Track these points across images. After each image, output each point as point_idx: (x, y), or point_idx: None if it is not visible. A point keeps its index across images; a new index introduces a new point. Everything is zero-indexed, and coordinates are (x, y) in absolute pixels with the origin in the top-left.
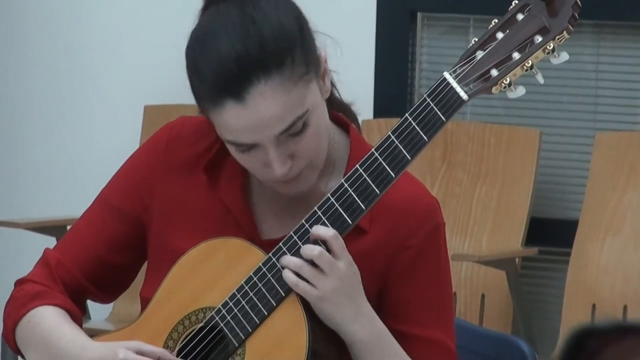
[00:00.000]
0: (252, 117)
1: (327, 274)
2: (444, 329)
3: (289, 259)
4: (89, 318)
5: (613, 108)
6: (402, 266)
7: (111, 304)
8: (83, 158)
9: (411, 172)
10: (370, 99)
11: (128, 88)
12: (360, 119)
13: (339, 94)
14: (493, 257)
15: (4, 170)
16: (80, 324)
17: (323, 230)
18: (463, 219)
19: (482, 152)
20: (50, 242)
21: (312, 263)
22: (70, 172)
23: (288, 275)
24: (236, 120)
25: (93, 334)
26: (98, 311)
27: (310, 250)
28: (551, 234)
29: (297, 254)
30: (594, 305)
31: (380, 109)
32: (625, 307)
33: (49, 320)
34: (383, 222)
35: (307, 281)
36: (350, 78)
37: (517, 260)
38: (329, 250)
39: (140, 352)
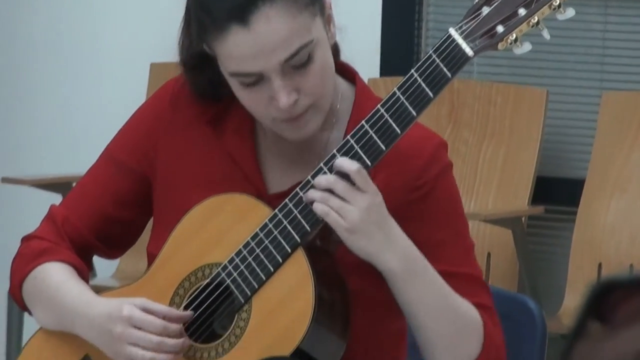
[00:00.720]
0: (257, 42)
1: (352, 203)
2: (466, 261)
3: (313, 192)
4: (95, 275)
5: (620, 67)
6: (413, 207)
7: (117, 261)
8: (89, 115)
9: None
10: (377, 57)
11: (134, 45)
12: (366, 77)
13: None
14: (499, 216)
15: (9, 127)
16: (86, 280)
17: (347, 164)
18: (469, 178)
19: (489, 112)
20: (56, 199)
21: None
22: (75, 130)
23: (317, 206)
24: (241, 47)
25: (99, 290)
26: (104, 268)
27: (326, 179)
28: (557, 193)
29: (303, 210)
30: (600, 264)
31: (387, 68)
32: (631, 266)
33: (55, 276)
34: (387, 170)
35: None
36: (356, 36)
37: (523, 219)
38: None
39: (145, 309)
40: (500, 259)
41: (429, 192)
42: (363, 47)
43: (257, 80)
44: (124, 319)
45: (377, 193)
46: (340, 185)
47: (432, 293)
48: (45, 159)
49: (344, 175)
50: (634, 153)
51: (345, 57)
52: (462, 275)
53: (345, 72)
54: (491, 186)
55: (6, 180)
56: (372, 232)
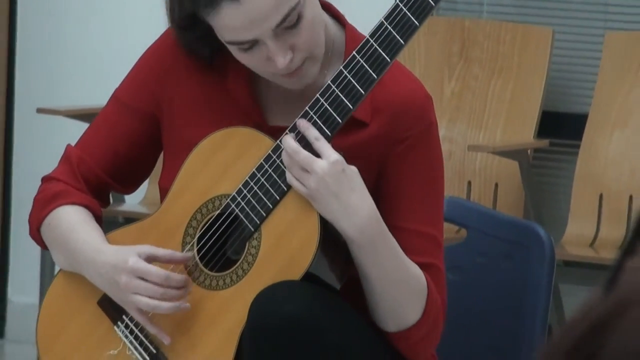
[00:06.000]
0: (248, 13)
1: (309, 171)
2: (432, 223)
3: (283, 156)
4: (124, 202)
5: (623, 8)
6: (394, 160)
7: (144, 189)
8: (115, 52)
9: (431, 67)
10: None
11: None
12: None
13: None
14: (506, 148)
15: (43, 62)
16: (100, 217)
17: (309, 132)
18: (478, 112)
19: (498, 49)
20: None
21: None
22: (103, 64)
23: (288, 176)
24: (234, 19)
25: (129, 216)
26: (132, 195)
27: (289, 145)
28: (562, 126)
29: (303, 140)
30: (601, 195)
31: None
32: (630, 198)
33: (66, 223)
34: (382, 116)
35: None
36: None
37: (529, 151)
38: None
39: (152, 257)
40: (507, 189)
41: (410, 147)
42: None
43: (253, 44)
44: (128, 270)
45: (336, 162)
46: (300, 156)
47: (385, 264)
48: (75, 92)
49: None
50: (634, 90)
51: None
52: (425, 234)
53: (333, 13)
54: (499, 120)
55: (41, 110)
56: (329, 201)
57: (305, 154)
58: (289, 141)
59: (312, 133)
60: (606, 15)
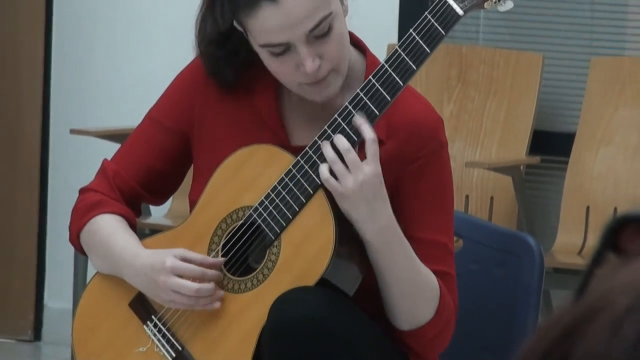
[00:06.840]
0: (285, 16)
1: (352, 172)
2: (443, 232)
3: (327, 150)
4: (150, 215)
5: (606, 35)
6: (408, 177)
7: (169, 203)
8: (142, 77)
9: (431, 90)
10: (395, 24)
11: (189, 8)
12: (385, 43)
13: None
14: (501, 165)
15: (76, 86)
16: (134, 226)
17: (365, 129)
18: (475, 131)
19: (492, 73)
20: (116, 147)
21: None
22: (131, 88)
23: (322, 170)
24: (271, 20)
25: (154, 228)
26: (158, 208)
27: (342, 143)
28: (552, 144)
29: (321, 157)
30: (587, 207)
31: (405, 34)
32: (615, 209)
33: (105, 229)
34: (396, 137)
35: (336, 177)
36: (375, 3)
37: (521, 167)
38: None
39: (184, 258)
40: (501, 202)
41: (422, 166)
42: (382, 15)
43: (284, 50)
44: (166, 269)
45: (377, 174)
46: (350, 155)
47: (399, 265)
48: (106, 114)
49: (361, 141)
50: (617, 110)
51: (364, 23)
52: (436, 243)
53: (356, 43)
54: (494, 138)
55: (74, 131)
56: (360, 204)
57: (355, 156)
58: (341, 139)
59: (343, 143)
60: (592, 42)
